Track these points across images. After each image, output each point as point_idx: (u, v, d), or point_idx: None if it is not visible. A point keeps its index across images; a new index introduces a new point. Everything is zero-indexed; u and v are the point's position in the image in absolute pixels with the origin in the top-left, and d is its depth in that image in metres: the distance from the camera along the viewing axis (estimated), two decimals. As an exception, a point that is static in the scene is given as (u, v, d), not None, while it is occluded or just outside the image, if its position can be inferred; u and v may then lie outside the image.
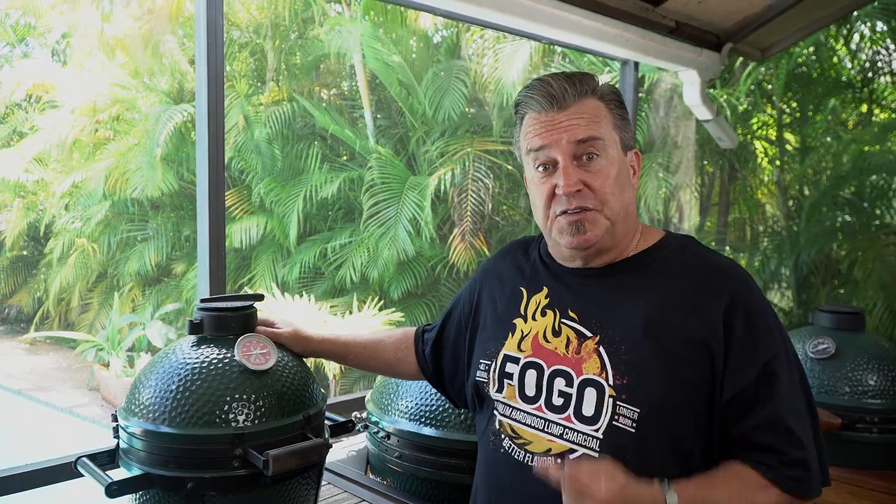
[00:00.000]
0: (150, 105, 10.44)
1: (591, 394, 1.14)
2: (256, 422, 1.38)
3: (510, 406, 1.23)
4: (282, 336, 1.49)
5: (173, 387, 1.47)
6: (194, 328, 1.56)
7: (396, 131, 9.41)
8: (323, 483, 1.80)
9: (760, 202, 8.18)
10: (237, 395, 1.41)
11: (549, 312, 1.24)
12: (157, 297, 10.66)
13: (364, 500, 1.83)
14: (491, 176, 7.65)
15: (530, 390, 1.21)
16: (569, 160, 1.17)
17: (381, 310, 7.25)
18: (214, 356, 1.52)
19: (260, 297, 1.70)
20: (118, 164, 10.40)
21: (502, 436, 1.22)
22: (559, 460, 1.14)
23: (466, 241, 7.35)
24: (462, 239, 7.37)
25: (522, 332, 1.25)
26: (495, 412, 1.25)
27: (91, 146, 11.61)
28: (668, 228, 7.67)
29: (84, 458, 1.51)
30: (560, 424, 1.16)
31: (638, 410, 1.11)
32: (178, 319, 9.89)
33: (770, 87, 7.62)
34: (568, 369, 1.17)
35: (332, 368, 6.83)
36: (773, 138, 7.87)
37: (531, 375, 1.21)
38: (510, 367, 1.24)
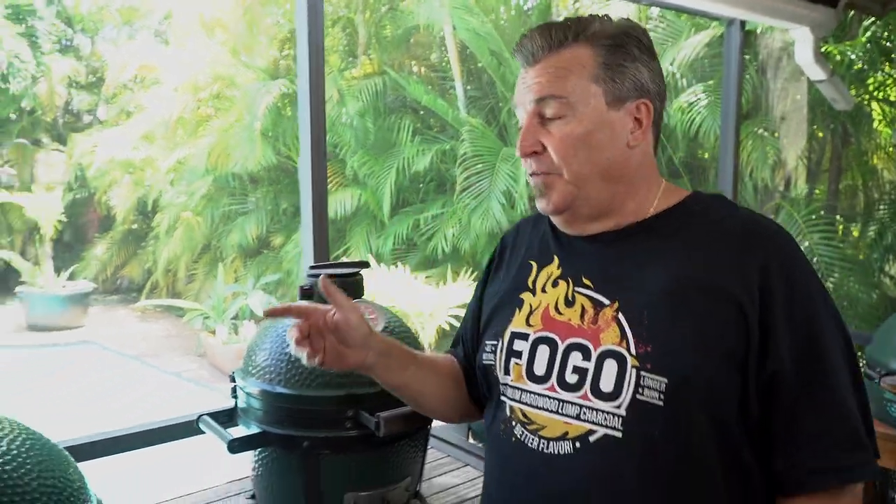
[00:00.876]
0: (248, 82, 10.80)
1: (610, 366, 1.03)
2: (368, 385, 1.42)
3: (518, 389, 1.12)
4: (360, 331, 1.22)
5: (288, 350, 1.55)
6: (305, 294, 1.63)
7: (487, 102, 9.36)
8: (428, 447, 1.84)
9: (876, 168, 7.68)
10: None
11: (561, 283, 1.13)
12: (258, 268, 11.10)
13: (468, 465, 1.87)
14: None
15: (540, 369, 1.10)
16: (532, 120, 1.09)
17: (475, 280, 7.30)
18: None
19: (366, 265, 1.76)
20: (220, 140, 10.84)
21: (513, 423, 1.11)
22: (578, 445, 1.03)
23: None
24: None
25: (531, 307, 1.15)
26: (503, 398, 1.14)
27: (193, 123, 12.14)
28: (773, 198, 7.35)
29: (205, 417, 1.61)
30: (576, 404, 1.05)
31: (665, 380, 0.99)
32: (277, 289, 10.27)
33: (889, 44, 7.10)
34: (584, 341, 1.07)
35: (426, 338, 6.95)
36: (892, 99, 7.35)
37: (543, 352, 1.11)
38: (519, 345, 1.14)
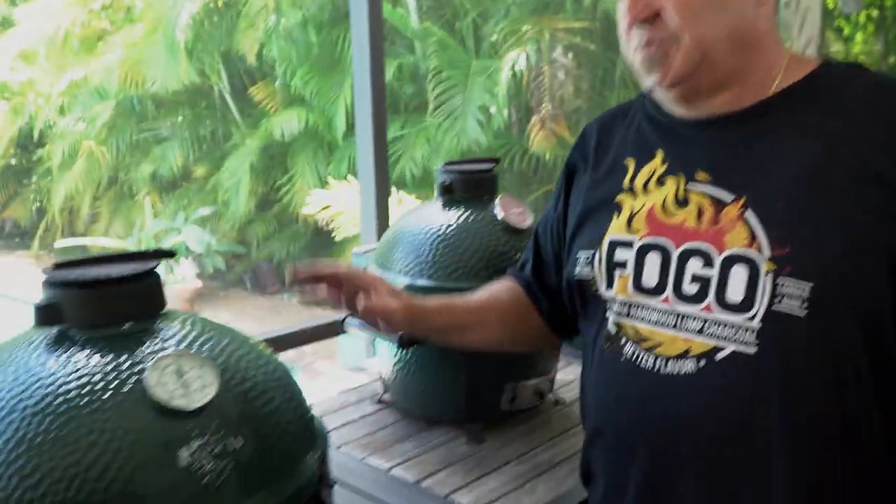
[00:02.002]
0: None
1: (739, 273, 0.97)
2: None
3: (627, 303, 1.08)
4: (393, 314, 1.22)
5: (432, 242, 1.69)
6: (446, 189, 1.76)
7: (443, 13, 9.33)
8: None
9: None
10: (497, 250, 1.63)
11: (669, 180, 1.07)
12: (178, 202, 10.89)
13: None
14: (570, 55, 7.64)
15: (650, 279, 1.06)
16: None
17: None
18: (469, 214, 1.73)
19: (497, 161, 1.90)
20: (128, 57, 10.41)
21: (622, 341, 1.07)
22: (702, 364, 0.99)
23: (547, 129, 7.42)
24: (542, 126, 7.45)
25: (632, 209, 1.10)
26: (608, 314, 1.11)
27: (88, 39, 11.58)
28: None
29: (351, 318, 1.73)
30: (698, 317, 1.01)
31: (809, 285, 0.92)
32: (216, 223, 10.14)
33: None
34: (704, 246, 1.01)
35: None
36: None
37: (653, 261, 1.06)
38: (621, 254, 1.09)
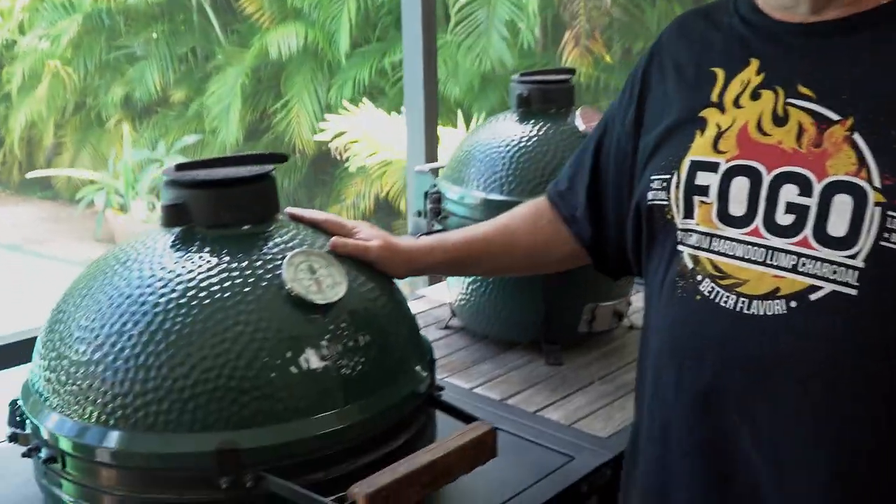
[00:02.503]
0: None
1: (842, 203, 0.95)
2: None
3: (707, 234, 1.05)
4: (370, 251, 1.25)
5: (511, 155, 1.83)
6: (523, 101, 1.90)
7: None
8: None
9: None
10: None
11: (766, 93, 1.04)
12: (156, 130, 10.96)
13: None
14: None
15: (738, 207, 1.03)
16: None
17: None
18: (548, 126, 1.86)
19: (572, 71, 2.03)
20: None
21: (699, 277, 1.05)
22: (794, 305, 0.97)
23: (581, 46, 7.48)
24: (576, 43, 7.49)
25: (719, 127, 1.06)
26: (682, 246, 1.08)
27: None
28: None
29: (423, 236, 1.88)
30: (791, 252, 0.98)
31: None
32: (199, 152, 10.24)
33: None
34: (803, 170, 0.99)
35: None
36: None
37: (740, 186, 1.03)
38: (704, 178, 1.06)
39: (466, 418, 1.20)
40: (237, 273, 1.10)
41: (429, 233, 1.88)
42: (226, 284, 1.08)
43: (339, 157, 8.40)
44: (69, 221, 10.48)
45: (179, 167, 1.18)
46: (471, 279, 1.88)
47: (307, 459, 1.05)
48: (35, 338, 1.21)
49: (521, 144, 1.83)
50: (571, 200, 1.34)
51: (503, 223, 1.40)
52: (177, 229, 1.18)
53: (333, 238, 1.23)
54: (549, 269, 1.51)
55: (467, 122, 7.89)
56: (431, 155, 2.63)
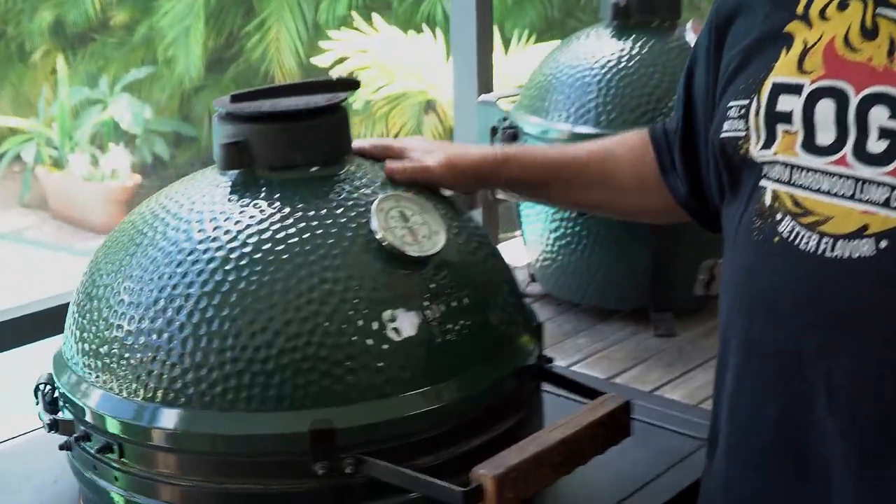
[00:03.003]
0: None
1: None
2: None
3: (789, 166, 1.14)
4: (432, 171, 1.38)
5: (607, 78, 1.92)
6: (621, 12, 1.98)
7: None
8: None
9: None
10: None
11: (854, 3, 1.13)
12: (94, 62, 11.01)
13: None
14: None
15: (826, 135, 1.11)
16: None
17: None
18: (652, 42, 1.95)
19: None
20: None
21: (778, 216, 1.14)
22: (884, 245, 1.05)
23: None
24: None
25: (805, 43, 1.15)
26: (764, 181, 1.17)
27: None
28: None
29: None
30: (884, 184, 1.06)
31: None
32: (149, 89, 10.30)
33: None
34: (895, 91, 1.07)
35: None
36: None
37: (825, 110, 1.11)
38: (786, 103, 1.15)
39: (590, 392, 1.30)
40: (316, 223, 1.20)
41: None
42: (305, 236, 1.19)
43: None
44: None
45: (235, 98, 1.28)
46: (557, 234, 1.97)
47: (411, 441, 1.16)
48: (59, 307, 1.31)
49: (620, 65, 1.93)
50: (670, 150, 1.44)
51: (605, 147, 1.51)
52: (232, 173, 1.27)
53: (387, 164, 1.33)
54: (647, 217, 1.62)
55: (505, 44, 7.94)
56: (486, 83, 2.72)
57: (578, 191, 1.51)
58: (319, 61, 8.34)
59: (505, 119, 2.06)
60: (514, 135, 2.00)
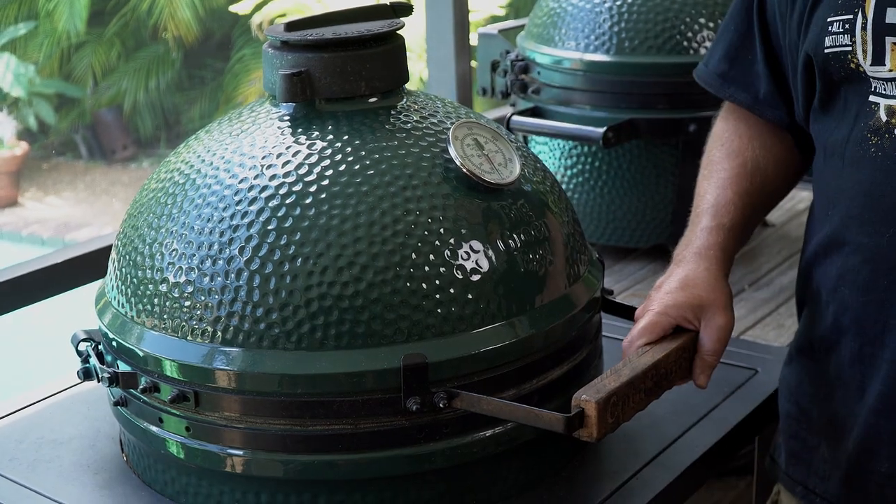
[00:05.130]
0: None
1: None
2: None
3: None
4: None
5: (620, 3, 2.00)
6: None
7: None
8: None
9: None
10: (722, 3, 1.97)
11: None
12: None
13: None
14: None
15: None
16: None
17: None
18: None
19: None
20: None
21: (893, 132, 1.22)
22: None
23: None
24: None
25: None
26: (876, 97, 1.24)
27: None
28: None
29: (515, 117, 2.05)
30: None
31: None
32: (26, 46, 10.05)
33: None
34: None
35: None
36: None
37: None
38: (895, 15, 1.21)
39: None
40: (390, 154, 1.27)
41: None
42: (382, 167, 1.25)
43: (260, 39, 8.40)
44: None
45: (290, 26, 1.32)
46: (574, 170, 2.05)
47: (496, 375, 1.24)
48: (99, 250, 1.33)
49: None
50: (748, 80, 1.47)
51: (741, 162, 1.48)
52: (289, 107, 1.33)
53: (625, 342, 1.33)
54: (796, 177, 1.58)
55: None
56: (462, 21, 2.75)
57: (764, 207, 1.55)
58: (238, 8, 8.21)
59: (508, 52, 2.11)
60: (524, 67, 2.06)
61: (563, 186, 2.08)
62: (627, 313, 1.43)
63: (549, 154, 2.10)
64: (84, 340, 1.37)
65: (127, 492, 1.37)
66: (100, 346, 1.35)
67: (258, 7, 7.90)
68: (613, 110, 1.97)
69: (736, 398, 1.57)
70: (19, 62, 9.79)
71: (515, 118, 1.99)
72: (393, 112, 1.34)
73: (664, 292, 1.33)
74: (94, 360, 1.33)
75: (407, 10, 1.40)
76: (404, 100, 1.37)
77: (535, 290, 1.28)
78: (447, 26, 2.73)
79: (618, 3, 2.00)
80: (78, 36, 10.20)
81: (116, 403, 1.33)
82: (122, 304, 1.32)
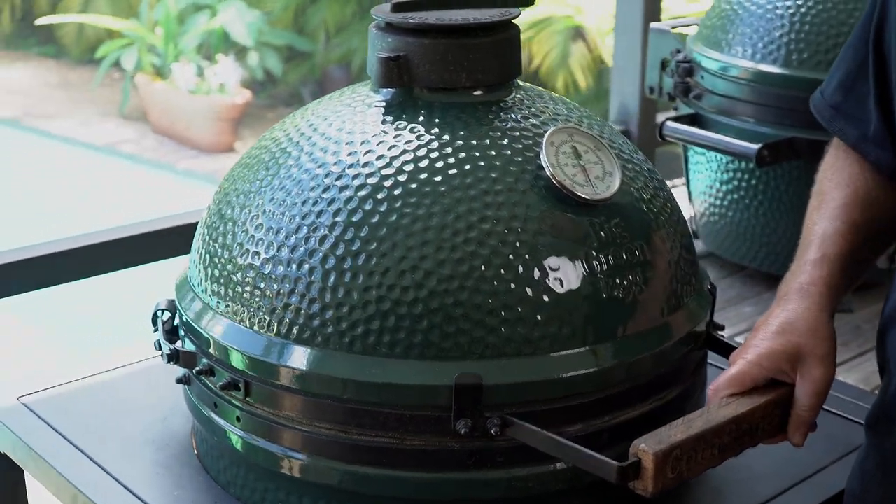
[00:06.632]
0: None
1: None
2: None
3: None
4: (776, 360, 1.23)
5: (795, 10, 1.87)
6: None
7: None
8: None
9: None
10: None
11: None
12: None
13: None
14: None
15: None
16: None
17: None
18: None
19: None
20: None
21: None
22: None
23: None
24: None
25: None
26: None
27: None
28: None
29: (669, 122, 1.94)
30: None
31: None
32: (255, 2, 10.29)
33: None
34: None
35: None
36: None
37: None
38: None
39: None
40: (478, 153, 1.19)
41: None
42: (466, 167, 1.18)
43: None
44: (84, 89, 10.81)
45: (397, 6, 1.26)
46: (729, 186, 1.94)
47: (562, 406, 1.15)
48: (189, 225, 1.32)
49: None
50: (859, 116, 1.36)
51: (852, 192, 1.37)
52: (388, 92, 1.26)
53: (711, 388, 1.22)
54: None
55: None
56: (653, 10, 2.66)
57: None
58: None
59: (678, 51, 2.01)
60: (688, 70, 1.96)
61: (717, 202, 1.97)
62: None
63: (706, 165, 1.99)
64: (164, 310, 1.34)
65: (183, 474, 1.35)
66: (175, 320, 1.32)
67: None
68: (777, 126, 1.86)
69: (848, 461, 1.42)
70: (249, 10, 10.01)
71: (669, 124, 1.89)
72: (494, 108, 1.26)
73: (760, 338, 1.21)
74: (160, 333, 1.30)
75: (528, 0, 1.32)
76: (512, 95, 1.30)
77: (618, 318, 1.19)
78: (637, 14, 2.64)
79: (790, 10, 1.88)
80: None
81: (179, 381, 1.30)
82: (195, 277, 1.29)
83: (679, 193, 2.20)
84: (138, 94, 9.93)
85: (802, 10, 1.87)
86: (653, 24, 2.20)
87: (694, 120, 1.97)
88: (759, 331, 1.22)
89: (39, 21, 10.81)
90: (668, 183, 2.43)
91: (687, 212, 2.13)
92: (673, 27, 2.15)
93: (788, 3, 1.88)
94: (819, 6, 1.87)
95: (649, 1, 2.66)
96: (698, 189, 2.02)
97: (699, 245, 2.10)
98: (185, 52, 9.73)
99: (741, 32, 1.91)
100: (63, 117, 10.01)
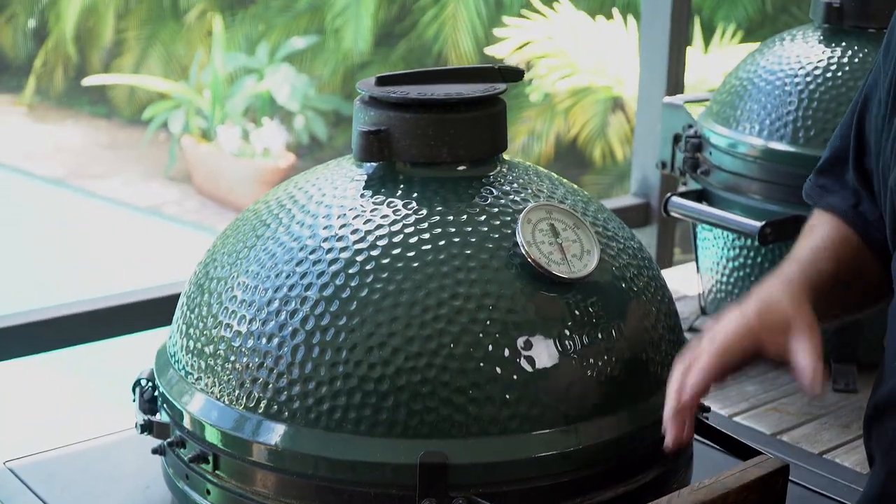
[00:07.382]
0: None
1: None
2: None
3: None
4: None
5: (805, 88, 1.86)
6: (833, 14, 1.90)
7: None
8: None
9: None
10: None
11: None
12: (253, 28, 11.21)
13: None
14: None
15: None
16: None
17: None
18: (862, 52, 1.88)
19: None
20: None
21: None
22: None
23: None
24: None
25: None
26: None
27: None
28: None
29: (675, 198, 1.93)
30: None
31: None
32: (311, 61, 10.41)
33: None
34: None
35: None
36: None
37: None
38: None
39: (744, 451, 1.25)
40: (453, 229, 1.19)
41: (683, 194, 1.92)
42: (440, 243, 1.17)
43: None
44: (132, 149, 10.96)
45: (382, 80, 1.27)
46: (735, 263, 1.92)
47: (534, 486, 1.13)
48: (172, 296, 1.32)
49: (827, 74, 1.86)
50: (842, 192, 1.38)
51: (825, 236, 1.37)
52: (370, 166, 1.27)
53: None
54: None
55: (706, 39, 7.80)
56: (675, 83, 2.67)
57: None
58: (495, 51, 8.32)
59: (690, 126, 2.00)
60: (697, 145, 1.95)
61: (724, 279, 1.95)
62: (720, 440, 1.31)
63: (713, 242, 1.97)
64: (145, 379, 1.34)
65: (158, 542, 1.33)
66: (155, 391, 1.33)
67: (518, 48, 7.92)
68: (784, 204, 1.83)
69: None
70: (298, 75, 10.13)
71: (674, 199, 1.88)
72: (475, 183, 1.26)
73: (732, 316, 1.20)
74: (136, 402, 1.30)
75: (516, 74, 1.34)
76: (496, 170, 1.29)
77: (591, 398, 1.17)
78: (659, 87, 2.65)
79: (799, 87, 1.87)
80: (362, 56, 10.49)
81: (155, 451, 1.30)
82: (172, 347, 1.30)
83: (692, 268, 2.19)
84: (184, 156, 10.05)
85: (811, 86, 1.86)
86: (666, 98, 2.20)
87: (701, 196, 1.96)
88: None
89: (88, 81, 10.94)
90: (688, 256, 2.42)
91: (697, 287, 2.11)
92: (686, 101, 2.14)
93: (798, 80, 1.87)
94: (829, 83, 1.86)
95: (673, 74, 2.67)
96: (706, 265, 2.00)
97: (707, 321, 2.07)
98: (231, 115, 9.84)
99: (749, 109, 1.90)
100: (109, 177, 10.13)
